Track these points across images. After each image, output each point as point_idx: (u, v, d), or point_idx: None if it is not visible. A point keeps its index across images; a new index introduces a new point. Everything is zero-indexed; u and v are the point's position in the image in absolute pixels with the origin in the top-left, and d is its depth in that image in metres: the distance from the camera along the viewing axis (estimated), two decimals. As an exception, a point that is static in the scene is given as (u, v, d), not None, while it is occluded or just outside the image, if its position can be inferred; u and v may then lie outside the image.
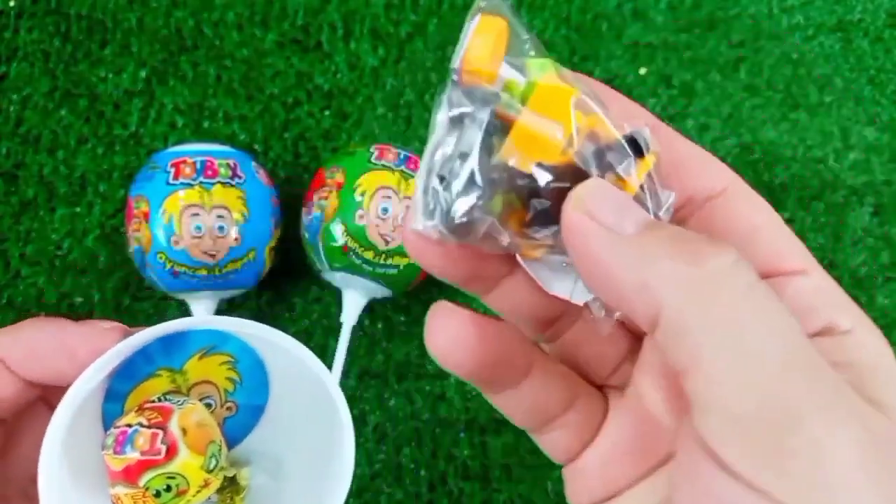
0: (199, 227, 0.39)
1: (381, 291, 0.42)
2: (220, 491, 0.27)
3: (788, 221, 0.48)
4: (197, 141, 0.46)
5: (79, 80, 0.48)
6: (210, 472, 0.24)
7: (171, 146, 0.42)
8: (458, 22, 0.50)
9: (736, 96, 0.50)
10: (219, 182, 0.39)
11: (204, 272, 0.39)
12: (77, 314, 0.45)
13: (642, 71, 0.50)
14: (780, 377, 0.14)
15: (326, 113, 0.49)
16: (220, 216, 0.39)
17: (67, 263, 0.46)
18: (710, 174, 0.19)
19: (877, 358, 0.17)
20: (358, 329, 0.45)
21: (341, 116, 0.49)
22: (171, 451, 0.23)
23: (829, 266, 0.49)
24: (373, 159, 0.41)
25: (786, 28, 0.51)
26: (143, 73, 0.48)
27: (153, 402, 0.24)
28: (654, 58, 0.51)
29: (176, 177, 0.39)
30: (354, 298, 0.43)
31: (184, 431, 0.23)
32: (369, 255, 0.40)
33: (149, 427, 0.23)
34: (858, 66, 0.51)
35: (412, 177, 0.41)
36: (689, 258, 0.14)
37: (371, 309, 0.45)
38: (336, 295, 0.45)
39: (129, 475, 0.23)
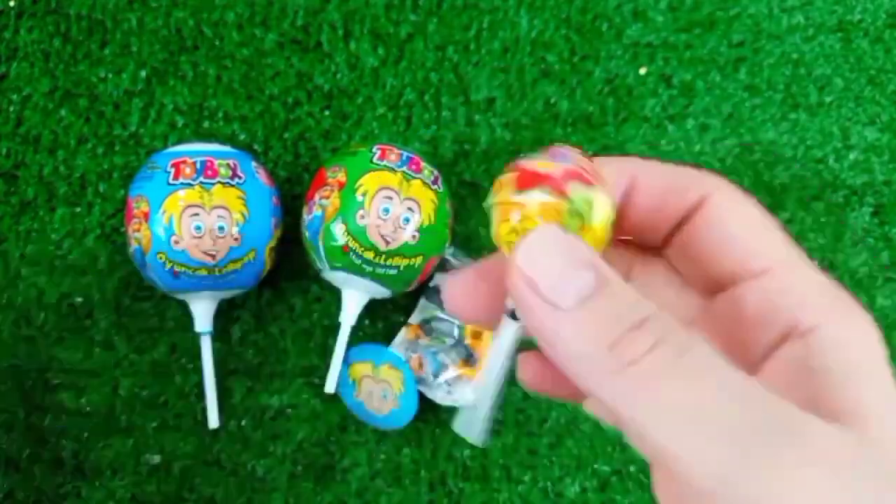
0: (199, 227, 0.39)
1: (381, 291, 0.42)
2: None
3: (788, 222, 0.49)
4: (197, 141, 0.46)
5: (79, 80, 0.48)
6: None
7: (171, 146, 0.42)
8: (458, 22, 0.50)
9: (736, 96, 0.50)
10: (219, 182, 0.39)
11: (204, 272, 0.39)
12: (77, 314, 0.45)
13: (642, 71, 0.50)
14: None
15: (326, 113, 0.49)
16: (220, 216, 0.39)
17: (67, 263, 0.46)
18: (695, 185, 0.19)
19: (844, 356, 0.16)
20: (358, 329, 0.45)
21: (341, 116, 0.49)
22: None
23: (829, 266, 0.49)
24: (375, 159, 0.41)
25: (786, 28, 0.51)
26: (143, 73, 0.48)
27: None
28: (654, 58, 0.51)
29: (176, 177, 0.39)
30: (354, 298, 0.43)
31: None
32: (370, 255, 0.40)
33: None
34: (858, 66, 0.51)
35: (414, 178, 0.41)
36: (606, 350, 0.15)
37: (371, 309, 0.45)
38: (336, 295, 0.45)
39: (558, 182, 0.18)
